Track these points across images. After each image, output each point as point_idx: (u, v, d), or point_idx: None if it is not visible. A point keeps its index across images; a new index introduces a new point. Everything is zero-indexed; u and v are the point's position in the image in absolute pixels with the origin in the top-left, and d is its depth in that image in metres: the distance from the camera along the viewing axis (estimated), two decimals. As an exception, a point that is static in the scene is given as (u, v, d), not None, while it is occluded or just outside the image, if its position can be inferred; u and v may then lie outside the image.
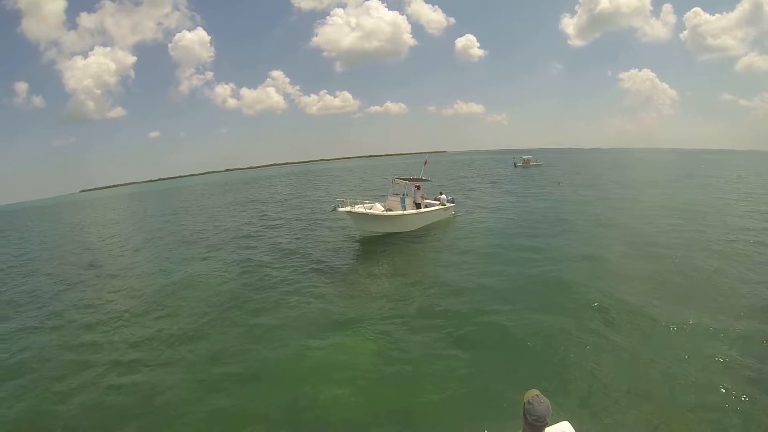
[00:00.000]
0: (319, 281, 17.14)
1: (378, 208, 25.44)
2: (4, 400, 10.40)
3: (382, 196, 28.67)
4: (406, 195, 26.86)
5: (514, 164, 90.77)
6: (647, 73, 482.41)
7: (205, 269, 21.15)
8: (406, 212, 25.38)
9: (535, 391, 3.98)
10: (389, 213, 24.60)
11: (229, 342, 12.26)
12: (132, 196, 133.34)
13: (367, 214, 23.12)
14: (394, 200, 26.76)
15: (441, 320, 12.23)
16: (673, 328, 10.78)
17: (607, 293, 12.95)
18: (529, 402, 3.87)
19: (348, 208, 22.43)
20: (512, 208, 31.87)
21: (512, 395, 7.33)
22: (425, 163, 30.85)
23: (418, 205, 27.29)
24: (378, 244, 22.64)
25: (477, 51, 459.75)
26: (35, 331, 15.04)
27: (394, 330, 11.90)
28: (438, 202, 28.77)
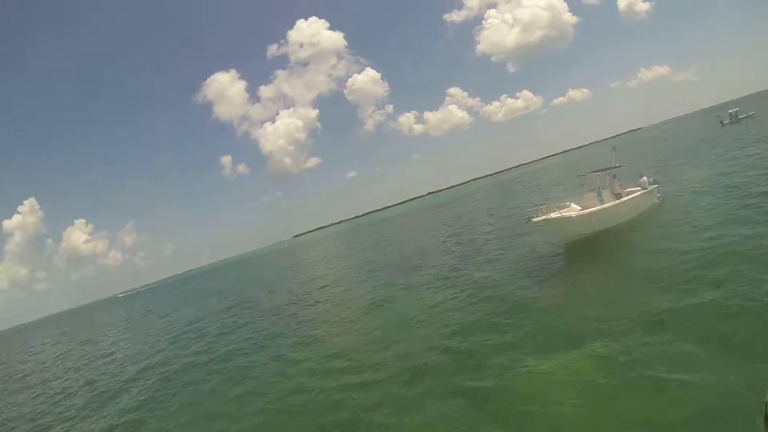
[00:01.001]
0: (522, 299, 16.67)
1: (574, 209, 24.55)
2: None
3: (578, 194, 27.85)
4: (602, 188, 25.94)
5: (721, 122, 79.26)
6: None
7: (416, 299, 21.84)
8: (602, 207, 24.17)
9: None
10: (586, 211, 23.62)
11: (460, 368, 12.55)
12: (339, 234, 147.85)
13: (563, 218, 22.44)
14: (590, 196, 25.84)
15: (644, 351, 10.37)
16: None
17: None
18: None
19: (543, 217, 22.23)
20: (724, 185, 26.05)
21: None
22: (613, 149, 29.82)
23: (618, 196, 25.79)
24: (583, 249, 21.87)
25: (642, 5, 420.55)
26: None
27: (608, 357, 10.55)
28: (639, 188, 26.99)
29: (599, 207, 24.21)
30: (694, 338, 10.08)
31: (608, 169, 26.97)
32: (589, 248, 21.81)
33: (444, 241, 39.00)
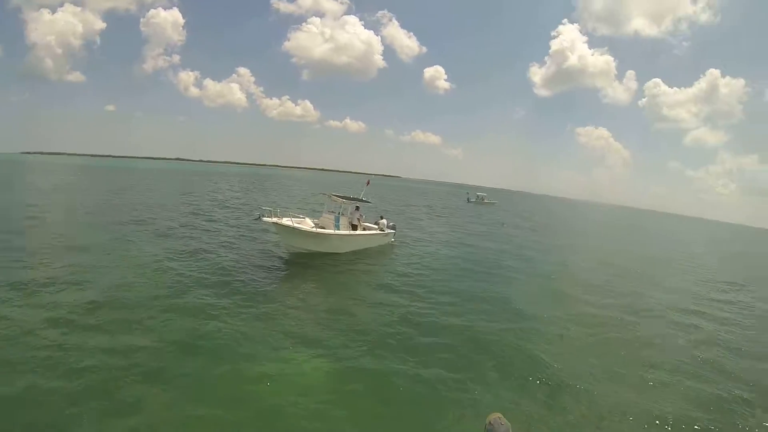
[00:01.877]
0: (235, 299, 15.03)
1: (308, 224, 23.32)
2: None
3: (319, 212, 26.76)
4: (342, 214, 25.05)
5: (468, 199, 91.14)
6: (603, 132, 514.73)
7: (119, 260, 19.19)
8: (337, 232, 23.52)
9: (497, 414, 3.98)
10: (319, 230, 22.55)
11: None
12: (79, 168, 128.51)
13: (294, 228, 20.94)
14: (328, 218, 24.72)
15: (347, 353, 11.37)
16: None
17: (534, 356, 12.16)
18: (490, 424, 3.88)
19: (275, 219, 20.60)
20: (455, 245, 30.40)
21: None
22: (367, 183, 29.26)
23: (354, 227, 25.51)
24: (305, 265, 20.72)
25: (444, 83, 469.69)
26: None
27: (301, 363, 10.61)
28: (377, 227, 27.03)
29: (332, 231, 23.43)
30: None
31: (354, 199, 26.05)
32: (310, 265, 20.85)
33: (181, 212, 36.17)
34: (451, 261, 24.90)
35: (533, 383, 10.56)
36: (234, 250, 22.67)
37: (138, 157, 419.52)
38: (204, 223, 30.95)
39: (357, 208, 26.21)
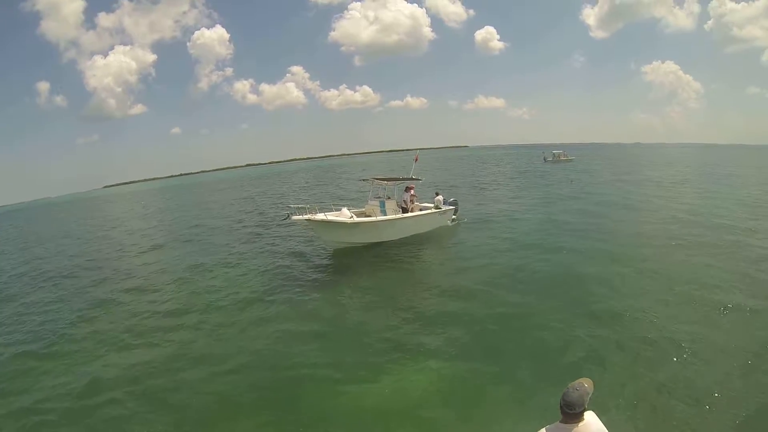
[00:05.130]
0: (290, 312, 13.79)
1: (345, 214, 20.69)
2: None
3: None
4: (389, 198, 22.47)
5: (544, 159, 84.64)
6: (670, 66, 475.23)
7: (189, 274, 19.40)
8: (379, 219, 20.91)
9: (582, 380, 3.84)
10: (358, 220, 20.17)
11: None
12: (153, 192, 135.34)
13: (329, 222, 18.81)
14: (373, 204, 22.27)
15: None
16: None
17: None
18: (567, 387, 3.80)
19: (306, 216, 18.14)
20: (532, 218, 25.62)
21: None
22: (416, 159, 25.51)
23: (404, 210, 22.61)
24: (347, 261, 19.05)
25: (497, 44, 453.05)
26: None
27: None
28: (433, 206, 23.64)
29: (374, 218, 21.04)
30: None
31: (401, 179, 23.57)
32: (352, 259, 19.37)
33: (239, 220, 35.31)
34: (523, 237, 20.89)
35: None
36: (277, 254, 21.47)
37: (209, 171, 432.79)
38: (252, 228, 29.63)
39: (407, 188, 23.36)
